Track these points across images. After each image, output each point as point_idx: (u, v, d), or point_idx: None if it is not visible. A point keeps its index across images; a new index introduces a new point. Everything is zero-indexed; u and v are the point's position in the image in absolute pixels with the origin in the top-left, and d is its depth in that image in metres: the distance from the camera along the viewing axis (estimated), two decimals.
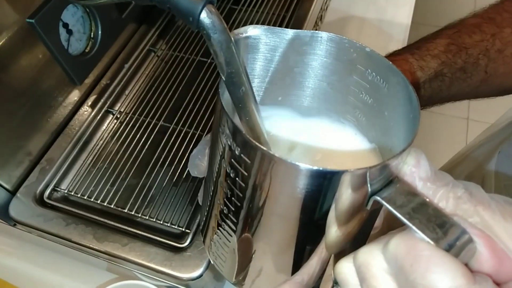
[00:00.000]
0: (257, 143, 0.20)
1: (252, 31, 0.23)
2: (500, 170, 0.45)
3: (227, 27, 0.20)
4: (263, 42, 0.24)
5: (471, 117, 1.68)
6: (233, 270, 0.27)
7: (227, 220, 0.24)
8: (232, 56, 0.21)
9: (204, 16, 0.19)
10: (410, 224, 0.18)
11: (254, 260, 0.25)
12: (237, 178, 0.22)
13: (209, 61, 0.55)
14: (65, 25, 0.47)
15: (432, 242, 0.18)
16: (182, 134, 0.48)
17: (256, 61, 0.25)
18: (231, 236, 0.25)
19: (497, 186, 0.45)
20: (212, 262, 0.29)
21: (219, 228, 0.26)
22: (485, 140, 0.54)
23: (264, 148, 0.20)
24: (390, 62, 0.22)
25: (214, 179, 0.25)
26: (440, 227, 0.18)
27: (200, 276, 0.38)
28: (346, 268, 0.21)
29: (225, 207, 0.24)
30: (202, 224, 0.30)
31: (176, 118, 0.49)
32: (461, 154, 0.59)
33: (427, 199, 0.20)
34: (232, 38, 0.21)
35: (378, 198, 0.20)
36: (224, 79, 0.22)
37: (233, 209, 0.24)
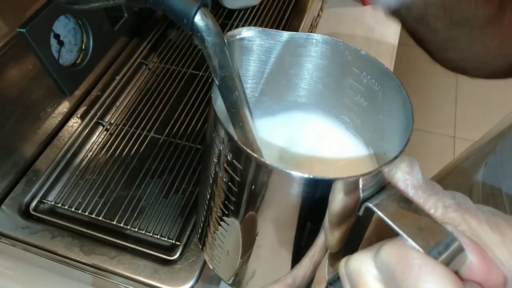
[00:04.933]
0: (249, 151, 0.20)
1: (246, 32, 0.23)
2: (487, 180, 0.46)
3: (221, 30, 0.20)
4: (257, 44, 0.24)
5: (457, 135, 1.71)
6: (228, 271, 0.27)
7: (221, 223, 0.24)
8: (226, 60, 0.21)
9: (199, 19, 0.19)
10: (401, 232, 0.18)
11: (248, 262, 0.25)
12: (230, 183, 0.22)
13: (200, 73, 0.55)
14: (56, 36, 0.47)
15: (422, 251, 0.18)
16: (173, 146, 0.47)
17: (250, 63, 0.25)
18: (225, 237, 0.25)
19: (484, 196, 0.46)
20: (208, 262, 0.29)
21: (214, 230, 0.26)
22: (472, 153, 0.54)
23: (257, 156, 0.20)
24: (385, 66, 0.22)
25: (210, 183, 0.25)
26: (431, 235, 0.18)
27: None
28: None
29: (219, 211, 0.24)
30: (198, 226, 0.30)
31: (167, 130, 0.49)
32: (449, 166, 0.59)
33: (419, 207, 0.20)
34: (226, 42, 0.21)
35: (370, 205, 0.20)
36: (217, 83, 0.22)
37: (227, 212, 0.23)
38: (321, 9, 0.75)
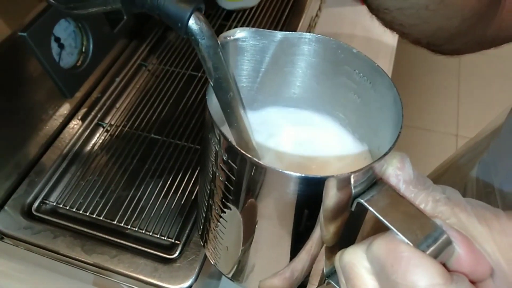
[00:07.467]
0: (243, 152, 0.20)
1: (240, 33, 0.24)
2: (481, 178, 0.46)
3: (214, 33, 0.21)
4: (251, 44, 0.24)
5: (460, 134, 1.71)
6: (228, 266, 0.28)
7: (220, 220, 0.25)
8: (220, 62, 0.22)
9: (193, 22, 0.20)
10: (391, 226, 0.19)
11: (247, 257, 0.26)
12: (227, 182, 0.23)
13: (199, 75, 0.55)
14: (57, 39, 0.47)
15: (411, 244, 0.18)
16: (172, 146, 0.48)
17: (245, 62, 0.25)
18: (224, 234, 0.25)
19: (478, 193, 0.46)
20: (209, 258, 0.30)
21: (214, 227, 0.26)
22: (467, 150, 0.55)
23: (251, 156, 0.20)
24: (377, 64, 0.23)
25: (208, 182, 0.25)
26: (421, 229, 0.19)
27: (190, 287, 0.37)
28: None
29: (218, 208, 0.25)
30: (199, 223, 0.31)
31: (166, 131, 0.49)
32: (445, 164, 0.60)
33: (409, 202, 0.20)
34: (220, 44, 0.21)
35: (362, 201, 0.21)
36: (212, 84, 0.23)
37: (225, 210, 0.24)
38: (319, 9, 0.76)
